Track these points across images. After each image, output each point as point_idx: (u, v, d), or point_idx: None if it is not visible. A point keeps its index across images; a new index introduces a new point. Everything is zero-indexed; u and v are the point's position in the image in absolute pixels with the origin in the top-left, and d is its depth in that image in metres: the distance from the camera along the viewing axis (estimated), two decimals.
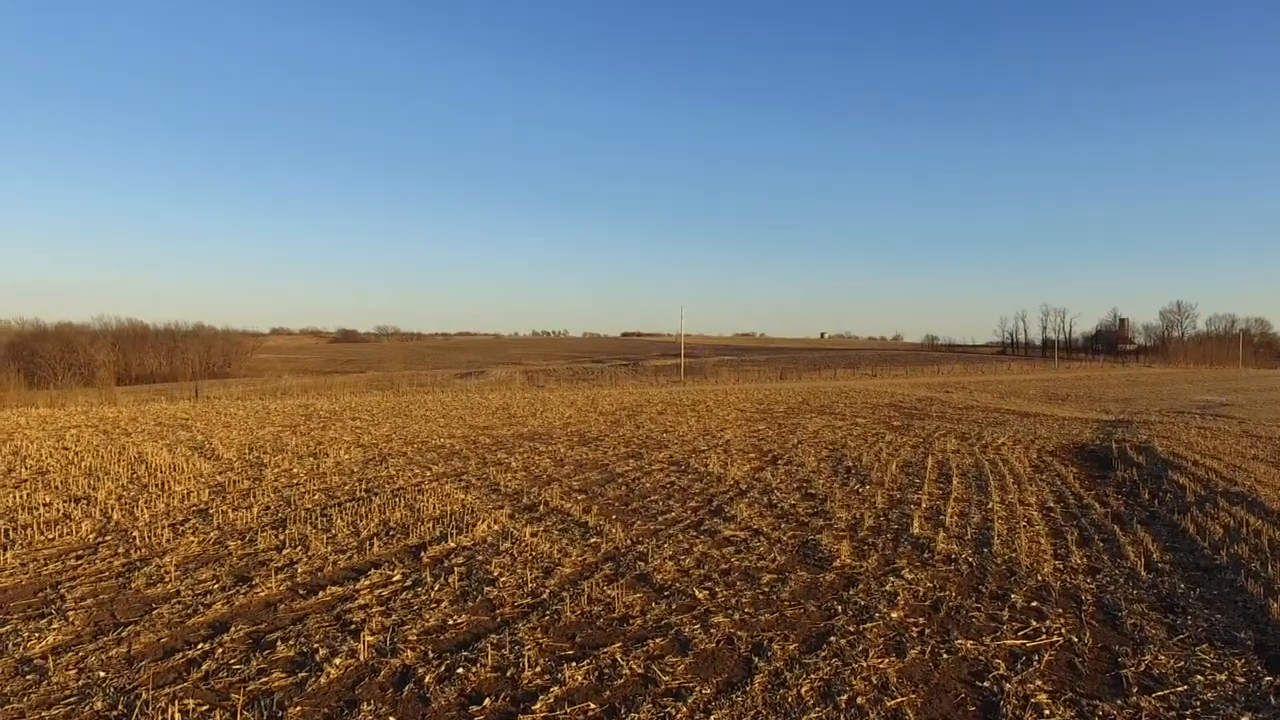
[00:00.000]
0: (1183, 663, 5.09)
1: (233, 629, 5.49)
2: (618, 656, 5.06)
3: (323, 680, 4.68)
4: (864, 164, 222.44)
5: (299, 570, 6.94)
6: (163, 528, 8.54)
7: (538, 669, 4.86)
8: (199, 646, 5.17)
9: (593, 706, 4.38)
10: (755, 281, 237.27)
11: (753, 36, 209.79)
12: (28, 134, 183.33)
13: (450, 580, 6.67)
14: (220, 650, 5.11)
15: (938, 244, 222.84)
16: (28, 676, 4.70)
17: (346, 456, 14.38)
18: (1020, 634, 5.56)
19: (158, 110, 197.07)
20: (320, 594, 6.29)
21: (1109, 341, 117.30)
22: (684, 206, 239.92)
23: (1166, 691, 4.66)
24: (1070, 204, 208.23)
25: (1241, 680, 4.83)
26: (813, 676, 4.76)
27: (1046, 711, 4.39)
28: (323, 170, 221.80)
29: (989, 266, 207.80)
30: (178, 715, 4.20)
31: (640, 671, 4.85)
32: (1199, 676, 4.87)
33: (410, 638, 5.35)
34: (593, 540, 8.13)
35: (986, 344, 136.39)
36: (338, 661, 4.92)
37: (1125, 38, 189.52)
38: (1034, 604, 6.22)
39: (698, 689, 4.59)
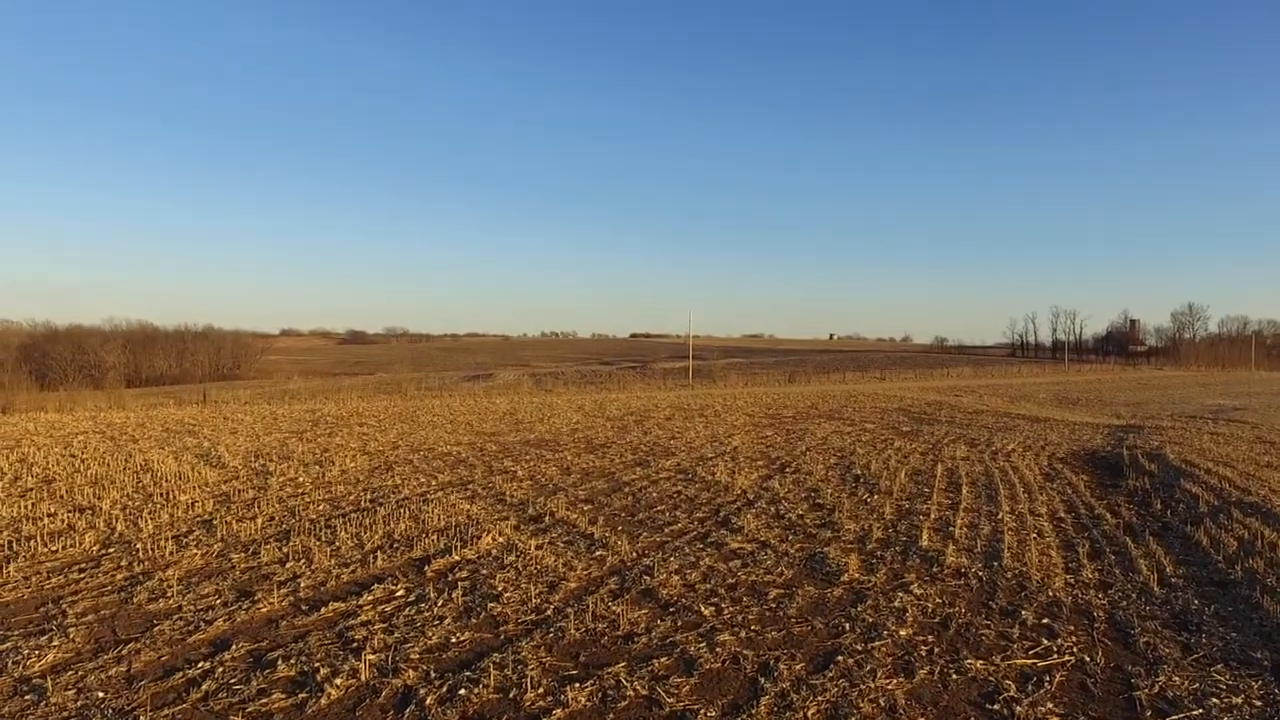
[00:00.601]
0: (1197, 684, 4.98)
1: (234, 647, 5.45)
2: (622, 677, 4.99)
3: (323, 701, 4.63)
4: (864, 164, 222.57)
5: (302, 584, 6.91)
6: (166, 539, 8.53)
7: (540, 690, 4.80)
8: (199, 665, 5.13)
9: None
10: (758, 282, 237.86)
11: (753, 36, 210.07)
12: (28, 134, 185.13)
13: (454, 595, 6.62)
14: (221, 669, 5.08)
15: (944, 244, 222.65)
16: (26, 697, 4.67)
17: (352, 464, 14.37)
18: (1031, 653, 5.46)
19: (158, 110, 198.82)
20: (323, 610, 6.25)
21: (1120, 343, 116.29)
22: (684, 206, 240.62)
23: (1181, 715, 4.56)
24: (1073, 204, 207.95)
25: (1259, 703, 4.72)
26: (820, 699, 4.69)
27: None
28: (323, 170, 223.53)
29: (997, 267, 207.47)
30: None
31: (644, 693, 4.78)
32: (1214, 699, 4.76)
33: (412, 656, 5.30)
34: (598, 553, 8.07)
35: (996, 345, 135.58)
36: (339, 682, 4.87)
37: (1125, 38, 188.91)
38: (1045, 621, 6.12)
39: (703, 711, 4.52)
